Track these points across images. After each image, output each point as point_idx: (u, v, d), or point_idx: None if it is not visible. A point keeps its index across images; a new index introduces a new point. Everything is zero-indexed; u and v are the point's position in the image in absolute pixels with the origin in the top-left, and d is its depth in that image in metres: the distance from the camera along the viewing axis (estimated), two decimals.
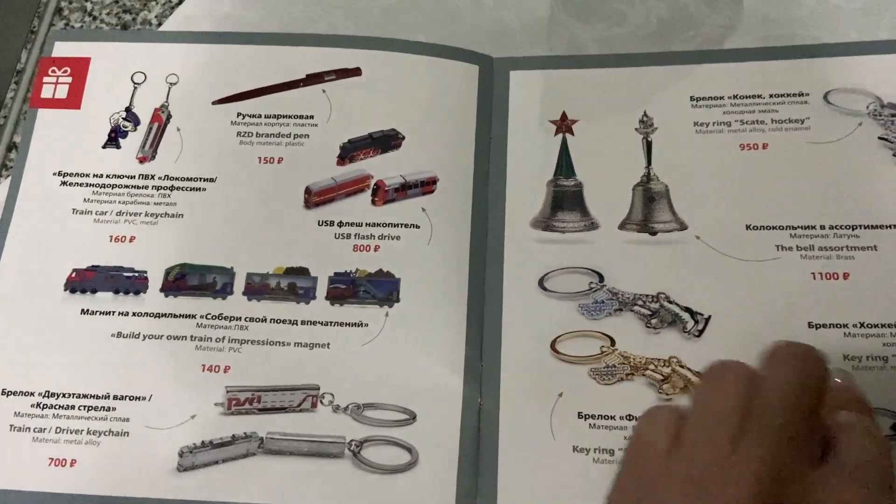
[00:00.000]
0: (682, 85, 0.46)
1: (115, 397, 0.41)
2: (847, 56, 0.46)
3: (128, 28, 0.52)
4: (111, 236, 0.45)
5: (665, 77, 0.47)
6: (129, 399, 0.41)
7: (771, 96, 0.45)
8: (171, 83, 0.49)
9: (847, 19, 0.48)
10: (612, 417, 0.39)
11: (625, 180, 0.45)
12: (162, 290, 0.44)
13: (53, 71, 0.49)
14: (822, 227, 0.42)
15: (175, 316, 0.43)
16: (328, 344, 0.42)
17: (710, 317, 0.41)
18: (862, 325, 0.40)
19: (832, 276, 0.41)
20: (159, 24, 0.52)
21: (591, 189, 0.45)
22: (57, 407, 0.41)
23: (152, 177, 0.46)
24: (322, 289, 0.43)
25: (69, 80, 0.49)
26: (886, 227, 0.42)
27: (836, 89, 0.45)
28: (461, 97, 0.47)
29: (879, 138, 0.44)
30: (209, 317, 0.43)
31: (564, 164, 0.45)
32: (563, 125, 0.46)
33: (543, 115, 0.47)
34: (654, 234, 0.43)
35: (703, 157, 0.45)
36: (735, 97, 0.46)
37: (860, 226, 0.42)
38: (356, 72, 0.48)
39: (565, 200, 0.44)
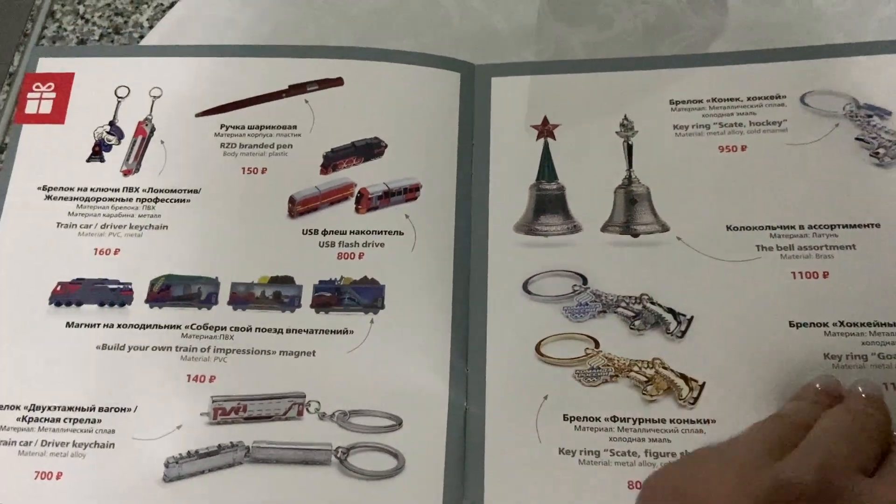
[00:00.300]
0: (662, 89, 0.47)
1: (101, 409, 0.41)
2: (823, 59, 0.46)
3: (120, 31, 0.53)
4: (96, 249, 0.45)
5: (644, 81, 0.47)
6: (115, 411, 0.41)
7: (749, 99, 0.46)
8: (154, 96, 0.49)
9: (832, 22, 0.49)
10: (597, 419, 0.39)
11: (606, 183, 0.45)
12: (147, 301, 0.44)
13: (38, 87, 0.49)
14: (802, 227, 0.42)
15: (160, 327, 0.43)
16: (314, 352, 0.42)
17: (692, 317, 0.41)
18: (842, 323, 0.40)
19: (812, 275, 0.41)
20: (151, 27, 0.53)
21: (573, 192, 0.45)
22: (43, 420, 0.41)
23: (136, 189, 0.47)
24: (307, 297, 0.43)
25: (53, 95, 0.49)
26: (864, 226, 0.42)
27: (812, 91, 0.46)
28: (443, 104, 0.48)
29: (856, 139, 0.44)
30: (194, 327, 0.43)
31: (546, 169, 0.46)
32: (545, 130, 0.47)
33: (525, 121, 0.47)
34: (636, 235, 0.43)
35: (683, 160, 0.45)
36: (713, 100, 0.46)
37: (838, 225, 0.42)
38: (338, 81, 0.48)
39: (548, 204, 0.45)
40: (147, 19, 0.53)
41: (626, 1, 0.51)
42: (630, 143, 0.46)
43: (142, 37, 0.53)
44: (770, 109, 0.45)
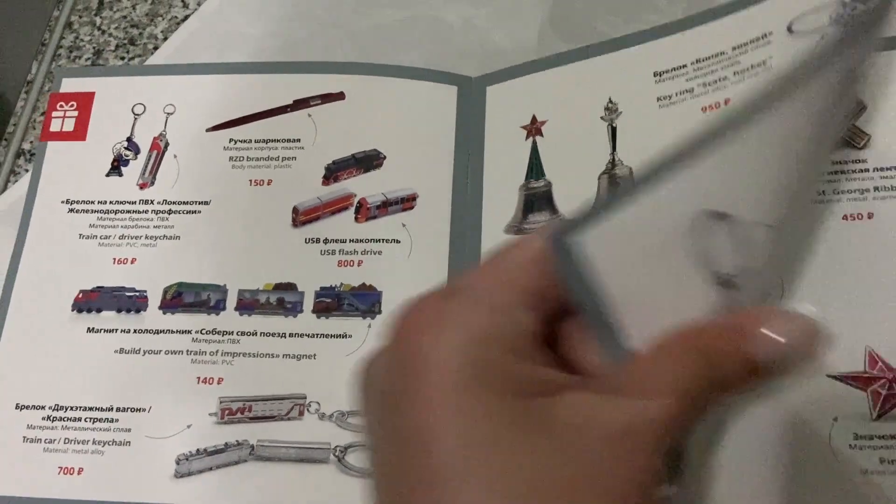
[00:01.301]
0: (645, 63, 0.46)
1: (118, 409, 0.44)
2: None
3: (135, 42, 0.56)
4: (114, 259, 0.48)
5: (628, 59, 0.47)
6: (131, 411, 0.44)
7: (734, 49, 0.45)
8: (168, 113, 0.52)
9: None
10: None
11: (591, 171, 0.45)
12: (160, 307, 0.46)
13: (61, 106, 0.52)
14: None
15: (172, 332, 0.46)
16: (314, 355, 0.44)
17: None
18: None
19: None
20: (165, 38, 0.56)
21: (559, 187, 0.46)
22: (66, 419, 0.44)
23: (152, 202, 0.49)
24: (309, 303, 0.46)
25: (76, 114, 0.52)
26: None
27: (798, 16, 0.44)
28: (439, 117, 0.49)
29: None
30: (204, 332, 0.45)
31: (535, 167, 0.47)
32: (533, 128, 0.48)
33: (515, 123, 0.48)
34: None
35: (665, 131, 0.44)
36: (697, 61, 0.45)
37: None
38: (340, 96, 0.50)
39: (535, 202, 0.46)
40: (161, 31, 0.56)
41: (623, 20, 0.52)
42: (614, 125, 0.46)
43: (156, 48, 0.56)
44: (755, 52, 0.44)
